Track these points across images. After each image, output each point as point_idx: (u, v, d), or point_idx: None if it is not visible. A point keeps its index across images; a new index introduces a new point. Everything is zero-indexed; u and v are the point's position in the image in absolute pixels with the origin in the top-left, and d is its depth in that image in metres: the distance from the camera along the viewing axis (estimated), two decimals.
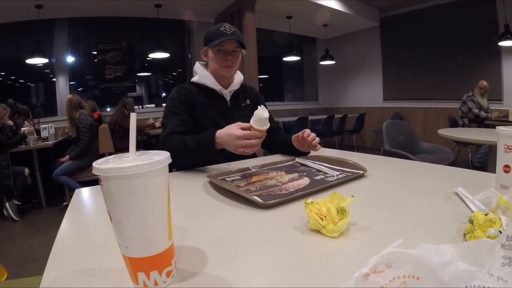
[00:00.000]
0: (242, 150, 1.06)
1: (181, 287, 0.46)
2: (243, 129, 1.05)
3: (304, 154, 1.34)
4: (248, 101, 1.52)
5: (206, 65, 1.45)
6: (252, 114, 1.19)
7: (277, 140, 1.49)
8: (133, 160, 0.42)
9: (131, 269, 0.44)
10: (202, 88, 1.40)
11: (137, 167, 0.39)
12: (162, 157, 0.43)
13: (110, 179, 0.40)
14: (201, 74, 1.41)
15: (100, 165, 0.40)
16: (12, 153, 3.58)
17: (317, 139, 1.28)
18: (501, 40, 4.84)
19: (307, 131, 1.28)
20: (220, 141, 1.10)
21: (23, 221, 3.44)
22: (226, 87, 1.43)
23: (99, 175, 0.40)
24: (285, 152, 1.44)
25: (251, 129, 1.02)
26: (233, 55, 1.38)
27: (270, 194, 0.84)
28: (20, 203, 3.53)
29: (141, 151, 0.47)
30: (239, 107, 1.47)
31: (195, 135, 1.20)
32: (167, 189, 0.45)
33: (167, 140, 1.22)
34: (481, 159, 4.56)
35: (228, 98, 1.44)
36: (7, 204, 3.43)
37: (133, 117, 0.46)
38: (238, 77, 1.48)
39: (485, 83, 4.66)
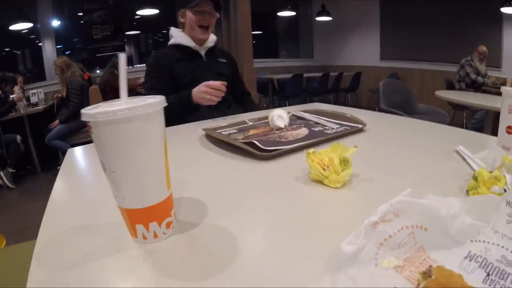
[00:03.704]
0: (208, 97, 1.25)
1: (182, 238, 0.44)
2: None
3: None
4: (224, 60, 1.62)
5: (183, 27, 1.53)
6: (229, 71, 1.59)
7: (245, 108, 1.64)
8: (125, 103, 0.39)
9: (129, 222, 0.42)
10: (178, 48, 1.49)
11: (130, 109, 0.36)
12: (157, 99, 0.40)
13: (100, 125, 0.37)
14: (177, 35, 1.50)
15: (89, 111, 0.36)
16: (3, 121, 3.51)
17: None
18: (503, 6, 4.71)
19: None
20: (194, 93, 1.28)
21: (18, 188, 3.44)
22: (200, 45, 1.52)
23: (89, 122, 0.37)
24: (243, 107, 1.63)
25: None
26: (210, 16, 1.46)
27: (269, 140, 0.83)
28: (14, 170, 3.51)
29: (134, 96, 0.43)
30: (215, 62, 1.56)
31: (175, 95, 1.33)
32: (163, 135, 0.42)
33: None
34: (475, 124, 4.56)
35: (203, 54, 1.52)
36: (1, 173, 3.39)
37: (122, 58, 0.42)
38: (211, 37, 1.56)
39: (484, 48, 4.55)
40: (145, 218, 0.41)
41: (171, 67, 1.45)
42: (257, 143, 0.77)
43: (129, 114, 0.36)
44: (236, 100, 1.65)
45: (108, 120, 0.36)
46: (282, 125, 0.98)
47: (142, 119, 0.38)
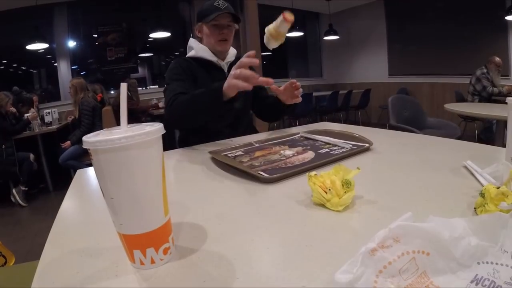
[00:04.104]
0: (235, 72, 0.98)
1: (179, 264, 0.44)
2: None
3: (288, 112, 1.43)
4: None
5: (200, 42, 1.46)
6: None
7: (268, 103, 1.52)
8: (124, 131, 0.40)
9: (127, 247, 0.43)
10: (199, 61, 1.41)
11: (127, 138, 0.37)
12: (155, 127, 0.40)
13: (99, 153, 0.38)
14: (197, 48, 1.42)
15: (89, 139, 0.38)
16: (17, 139, 3.59)
17: (300, 90, 1.31)
18: (508, 15, 4.69)
19: (294, 80, 1.30)
20: (225, 85, 1.02)
21: (30, 206, 3.48)
22: (222, 60, 1.45)
23: (89, 149, 0.38)
24: (272, 112, 1.51)
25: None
26: (228, 29, 1.39)
27: (275, 168, 0.82)
28: (27, 188, 3.57)
29: (134, 124, 0.44)
30: None
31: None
32: (161, 162, 0.43)
33: (176, 99, 1.18)
34: (488, 134, 4.47)
35: (225, 69, 1.45)
36: (14, 191, 3.46)
37: (122, 88, 0.43)
38: (232, 50, 1.49)
39: (498, 59, 4.47)
40: (142, 244, 0.42)
41: (195, 76, 1.36)
42: (263, 173, 0.76)
43: (127, 142, 0.37)
44: (261, 108, 1.56)
45: (107, 148, 0.37)
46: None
47: (140, 147, 0.39)
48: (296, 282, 0.38)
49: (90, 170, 1.00)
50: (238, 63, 0.99)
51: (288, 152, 0.97)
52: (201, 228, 0.54)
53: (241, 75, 0.97)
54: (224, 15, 1.34)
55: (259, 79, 0.99)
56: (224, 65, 1.45)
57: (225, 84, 1.02)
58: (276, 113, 1.51)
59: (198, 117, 1.16)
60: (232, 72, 0.99)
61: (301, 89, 1.32)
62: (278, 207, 0.61)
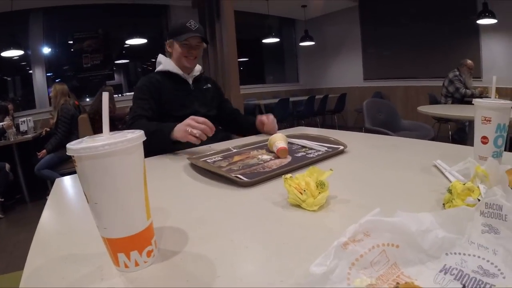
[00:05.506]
0: (189, 130, 1.10)
1: (163, 266, 0.45)
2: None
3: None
4: (209, 85, 1.68)
5: (170, 56, 1.59)
6: (214, 96, 1.65)
7: (240, 122, 1.70)
8: (106, 138, 0.41)
9: (111, 251, 0.44)
10: (167, 75, 1.53)
11: (110, 145, 0.39)
12: (136, 134, 0.42)
13: (83, 159, 0.39)
14: (165, 62, 1.56)
15: (73, 146, 0.39)
16: None
17: (276, 126, 1.49)
18: (479, 19, 4.85)
19: (271, 116, 1.49)
20: (176, 129, 1.15)
21: (7, 217, 3.37)
22: (188, 74, 1.58)
23: (73, 156, 0.40)
24: (247, 132, 1.61)
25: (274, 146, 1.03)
26: (196, 48, 1.54)
27: (253, 172, 0.84)
28: (3, 199, 3.44)
29: (116, 131, 0.46)
30: (202, 89, 1.62)
31: (159, 123, 1.28)
32: (142, 168, 0.44)
33: (133, 122, 1.33)
34: (461, 134, 4.60)
35: (190, 82, 1.58)
36: None
37: (104, 96, 0.45)
38: (197, 67, 1.64)
39: (470, 61, 4.60)
40: (126, 247, 0.43)
41: (160, 91, 1.46)
42: (242, 177, 0.78)
43: (110, 149, 0.39)
44: (228, 121, 1.70)
45: (90, 155, 0.39)
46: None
47: (122, 154, 0.40)
48: (274, 278, 0.40)
49: (68, 179, 0.99)
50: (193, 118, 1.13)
51: (266, 156, 1.00)
52: (183, 231, 0.55)
53: (195, 133, 1.09)
54: (195, 37, 1.48)
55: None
56: (189, 78, 1.58)
57: (179, 134, 1.13)
58: (245, 132, 1.62)
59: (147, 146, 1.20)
60: (189, 125, 1.11)
61: (275, 127, 1.48)
62: (256, 209, 0.63)
